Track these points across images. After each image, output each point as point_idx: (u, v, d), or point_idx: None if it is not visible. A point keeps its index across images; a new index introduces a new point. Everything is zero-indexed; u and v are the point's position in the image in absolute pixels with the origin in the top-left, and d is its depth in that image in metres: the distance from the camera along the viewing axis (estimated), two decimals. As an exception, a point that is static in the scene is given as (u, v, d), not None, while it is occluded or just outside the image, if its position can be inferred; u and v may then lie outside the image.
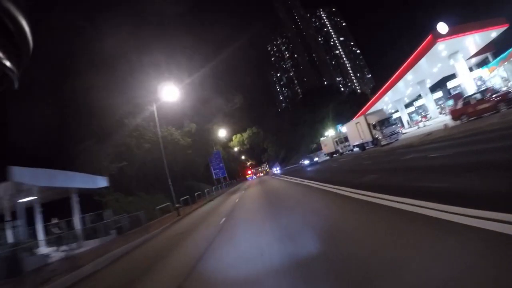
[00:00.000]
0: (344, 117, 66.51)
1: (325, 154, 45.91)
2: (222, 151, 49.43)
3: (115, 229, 13.90)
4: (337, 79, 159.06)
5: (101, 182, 14.53)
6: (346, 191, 6.60)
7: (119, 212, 16.24)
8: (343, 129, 39.99)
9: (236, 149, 64.88)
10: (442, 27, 18.56)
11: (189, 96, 35.82)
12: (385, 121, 21.54)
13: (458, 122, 14.43)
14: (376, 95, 36.98)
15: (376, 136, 21.86)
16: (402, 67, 24.76)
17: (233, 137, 61.35)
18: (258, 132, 65.68)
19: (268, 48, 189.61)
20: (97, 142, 20.59)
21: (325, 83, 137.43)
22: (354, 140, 27.56)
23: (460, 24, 19.51)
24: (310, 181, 13.01)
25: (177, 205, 17.29)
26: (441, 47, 20.30)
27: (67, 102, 20.31)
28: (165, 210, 19.87)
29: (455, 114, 14.82)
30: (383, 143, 20.70)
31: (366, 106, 43.06)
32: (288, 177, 24.82)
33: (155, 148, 23.41)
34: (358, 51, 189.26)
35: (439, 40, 18.76)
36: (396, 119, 37.60)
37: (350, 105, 67.80)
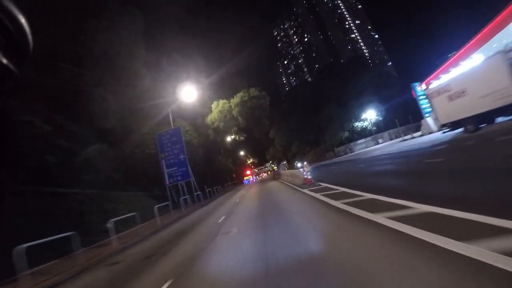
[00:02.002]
0: (387, 96, 46.15)
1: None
2: (200, 137, 29.32)
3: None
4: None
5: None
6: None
7: None
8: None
9: (229, 138, 44.48)
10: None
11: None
12: None
13: None
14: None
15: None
16: None
17: (213, 106, 36.03)
18: (260, 97, 37.38)
19: (274, 33, 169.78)
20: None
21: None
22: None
23: None
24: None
25: None
26: None
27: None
28: None
29: None
30: None
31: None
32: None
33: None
34: (376, 36, 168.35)
35: None
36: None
37: (394, 79, 46.78)
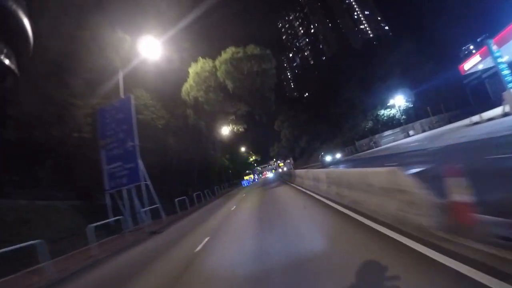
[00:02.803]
0: (417, 78, 37.69)
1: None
2: (172, 118, 21.19)
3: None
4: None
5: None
6: None
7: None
8: None
9: (226, 130, 36.36)
10: None
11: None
12: None
13: None
14: None
15: None
16: None
17: (190, 70, 24.32)
18: (262, 57, 24.14)
19: (279, 25, 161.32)
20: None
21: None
22: None
23: None
24: None
25: None
26: None
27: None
28: None
29: None
30: None
31: None
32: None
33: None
34: (387, 28, 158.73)
35: None
36: None
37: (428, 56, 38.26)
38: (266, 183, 29.47)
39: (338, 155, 28.58)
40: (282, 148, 65.80)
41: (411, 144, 19.28)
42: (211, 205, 19.69)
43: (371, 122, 35.26)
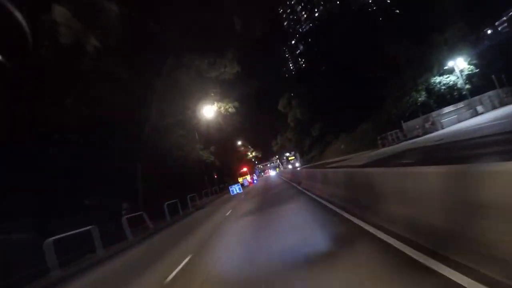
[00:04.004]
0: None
1: None
2: None
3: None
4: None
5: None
6: None
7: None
8: None
9: (210, 110, 24.89)
10: None
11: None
12: None
13: None
14: None
15: None
16: None
17: None
18: None
19: (279, 10, 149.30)
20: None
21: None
22: None
23: None
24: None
25: None
26: None
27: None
28: None
29: None
30: None
31: None
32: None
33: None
34: (397, 11, 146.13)
35: None
36: None
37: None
38: (267, 188, 18.24)
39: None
40: (287, 141, 54.30)
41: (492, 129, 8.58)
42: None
43: (424, 93, 23.67)
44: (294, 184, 13.91)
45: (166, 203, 14.07)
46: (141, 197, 14.29)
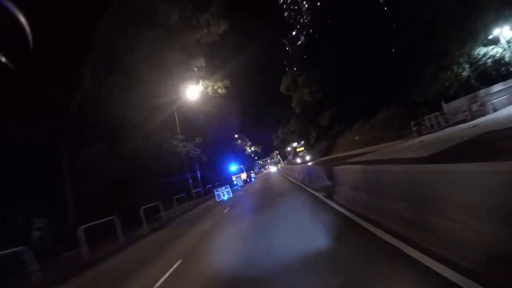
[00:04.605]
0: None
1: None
2: None
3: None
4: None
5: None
6: None
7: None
8: None
9: (196, 91, 19.68)
10: None
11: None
12: None
13: None
14: None
15: None
16: None
17: None
18: None
19: (280, 1, 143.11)
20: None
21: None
22: None
23: None
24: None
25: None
26: None
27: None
28: None
29: None
30: None
31: None
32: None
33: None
34: None
35: None
36: None
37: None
38: (267, 194, 13.30)
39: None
40: (289, 134, 48.96)
41: None
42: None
43: (468, 66, 18.37)
44: (312, 191, 8.56)
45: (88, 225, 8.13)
46: (71, 209, 9.20)
